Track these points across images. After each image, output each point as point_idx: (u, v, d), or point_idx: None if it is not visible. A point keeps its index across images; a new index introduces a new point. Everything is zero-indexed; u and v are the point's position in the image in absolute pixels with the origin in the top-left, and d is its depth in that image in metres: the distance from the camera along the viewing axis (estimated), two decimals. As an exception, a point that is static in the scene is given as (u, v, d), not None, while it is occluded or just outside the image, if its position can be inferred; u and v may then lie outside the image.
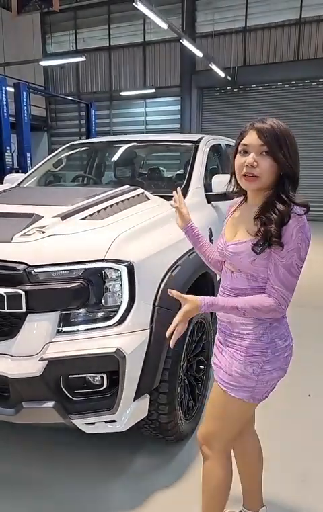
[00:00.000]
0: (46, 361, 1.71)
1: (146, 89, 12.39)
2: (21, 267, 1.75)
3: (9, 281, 1.74)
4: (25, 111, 9.93)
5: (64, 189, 3.27)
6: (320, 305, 4.67)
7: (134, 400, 1.84)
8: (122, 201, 2.36)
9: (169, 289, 1.41)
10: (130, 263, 1.82)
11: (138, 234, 1.99)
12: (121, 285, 1.81)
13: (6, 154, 9.67)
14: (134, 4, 6.60)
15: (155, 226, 2.15)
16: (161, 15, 7.40)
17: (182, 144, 3.57)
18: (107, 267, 1.80)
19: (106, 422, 1.82)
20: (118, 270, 1.80)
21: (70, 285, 1.74)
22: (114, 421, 1.82)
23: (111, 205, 2.25)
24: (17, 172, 9.70)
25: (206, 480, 1.54)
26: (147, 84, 12.75)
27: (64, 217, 2.02)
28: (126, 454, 2.20)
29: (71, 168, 4.51)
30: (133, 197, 2.46)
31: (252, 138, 1.32)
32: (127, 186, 2.64)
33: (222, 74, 10.65)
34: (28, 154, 10.19)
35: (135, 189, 2.58)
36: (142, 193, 2.56)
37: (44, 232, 1.89)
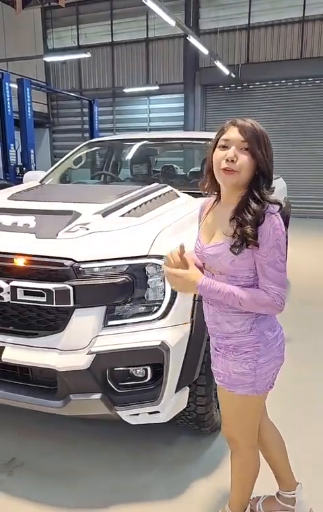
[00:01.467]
0: (94, 355, 1.77)
1: (149, 86, 12.39)
2: (68, 263, 1.79)
3: (57, 276, 1.79)
4: (29, 108, 9.93)
5: (93, 187, 3.31)
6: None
7: (175, 392, 1.90)
8: (155, 198, 2.41)
9: (181, 244, 1.41)
10: (173, 258, 1.86)
11: (176, 231, 2.04)
12: (164, 280, 1.86)
13: (10, 151, 9.69)
14: (143, 0, 6.60)
15: (189, 222, 2.20)
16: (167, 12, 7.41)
17: (199, 142, 3.61)
18: (150, 263, 1.84)
19: (150, 413, 1.87)
20: (161, 265, 1.85)
21: (115, 281, 1.78)
22: (158, 412, 1.87)
23: (145, 203, 2.30)
24: (22, 169, 9.72)
25: (238, 472, 1.62)
26: (150, 81, 12.75)
27: (104, 214, 2.07)
28: (161, 445, 2.26)
29: (84, 166, 4.56)
30: (164, 194, 2.51)
31: (233, 134, 1.36)
32: (156, 184, 2.68)
33: (226, 71, 10.67)
34: (31, 151, 10.21)
35: (164, 187, 2.62)
36: (172, 190, 2.61)
37: (87, 229, 1.93)
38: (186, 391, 1.99)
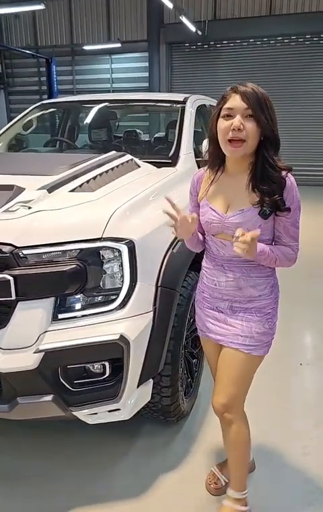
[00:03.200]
0: (42, 353, 1.55)
1: (111, 43, 11.55)
2: (7, 248, 1.53)
3: (-6, 265, 1.53)
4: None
5: (44, 156, 2.96)
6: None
7: (137, 387, 1.72)
8: (111, 169, 2.13)
9: (239, 229, 1.33)
10: (131, 241, 1.64)
11: (135, 208, 1.80)
12: (121, 265, 1.63)
13: None
14: None
15: (151, 197, 1.96)
16: None
17: (166, 105, 3.29)
18: (105, 247, 1.61)
19: (110, 411, 1.70)
20: (118, 249, 1.62)
21: (64, 268, 1.55)
22: (118, 410, 1.70)
23: (100, 174, 2.03)
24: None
25: (234, 441, 1.61)
26: (112, 38, 11.89)
27: (50, 189, 1.79)
28: (126, 438, 2.11)
29: (37, 130, 4.15)
30: (122, 164, 2.23)
31: (236, 102, 1.33)
32: (114, 152, 2.39)
33: (193, 28, 10.02)
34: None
35: (123, 156, 2.34)
36: (132, 159, 2.33)
37: (30, 208, 1.66)
38: (149, 384, 1.82)
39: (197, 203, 1.56)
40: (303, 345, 3.10)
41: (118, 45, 11.30)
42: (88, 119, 3.75)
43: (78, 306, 1.62)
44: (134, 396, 1.72)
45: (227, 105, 1.35)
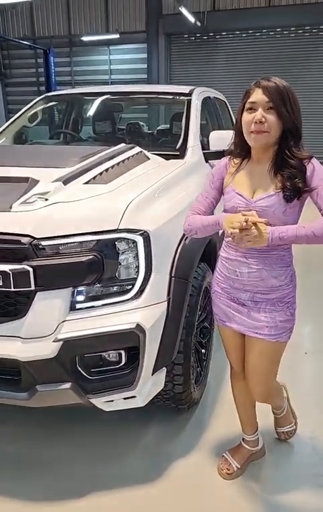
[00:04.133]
0: (61, 342, 1.58)
1: (109, 34, 11.44)
2: (26, 240, 1.55)
3: (14, 256, 1.56)
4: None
5: (53, 149, 2.97)
6: None
7: (152, 375, 1.76)
8: (122, 161, 2.15)
9: (242, 212, 1.42)
10: (146, 232, 1.67)
11: (149, 200, 1.82)
12: (137, 256, 1.66)
13: None
14: None
15: (163, 189, 1.98)
16: None
17: (172, 97, 3.29)
18: (121, 238, 1.64)
19: (125, 398, 1.74)
20: (134, 240, 1.65)
21: (82, 259, 1.57)
22: (134, 397, 1.74)
23: (112, 167, 2.05)
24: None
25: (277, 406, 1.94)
26: (110, 29, 11.77)
27: (65, 181, 1.81)
28: (138, 427, 2.16)
29: (39, 123, 4.14)
30: (132, 156, 2.25)
31: (258, 96, 1.42)
32: (123, 144, 2.41)
33: (192, 19, 9.94)
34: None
35: (133, 148, 2.36)
36: (141, 152, 2.35)
37: (46, 199, 1.68)
38: (163, 372, 1.86)
39: (220, 186, 1.61)
40: (309, 335, 3.15)
41: (117, 36, 11.20)
42: (91, 112, 3.75)
43: (95, 296, 1.65)
44: (149, 384, 1.76)
45: (250, 100, 1.43)
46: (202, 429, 2.15)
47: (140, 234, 1.65)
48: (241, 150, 1.55)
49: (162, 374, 1.86)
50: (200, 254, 2.02)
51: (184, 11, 9.50)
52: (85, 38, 11.54)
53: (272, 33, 10.75)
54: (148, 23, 11.34)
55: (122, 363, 1.70)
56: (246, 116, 1.44)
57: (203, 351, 2.38)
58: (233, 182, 1.56)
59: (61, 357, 1.59)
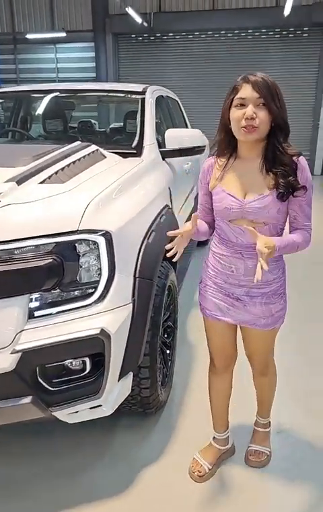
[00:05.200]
0: (20, 353, 1.47)
1: (55, 33, 11.16)
2: (-23, 244, 1.44)
3: None
4: None
5: (4, 147, 2.81)
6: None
7: (118, 381, 1.69)
8: (78, 160, 2.06)
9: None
10: (108, 232, 1.59)
11: (109, 199, 1.75)
12: (99, 258, 1.59)
13: None
14: None
15: (123, 188, 1.92)
16: None
17: (125, 95, 3.22)
18: (82, 239, 1.55)
19: (91, 408, 1.66)
20: (95, 241, 1.57)
21: (40, 264, 1.47)
22: (100, 406, 1.66)
23: (67, 166, 1.95)
24: None
25: (269, 388, 1.88)
26: (56, 27, 11.49)
27: (19, 181, 1.70)
28: (105, 434, 2.08)
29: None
30: (89, 154, 2.16)
31: (247, 91, 1.39)
32: (78, 142, 2.32)
33: (139, 19, 9.90)
34: None
35: (88, 146, 2.27)
36: (97, 150, 2.27)
37: (0, 201, 1.57)
38: (129, 377, 1.80)
39: (208, 191, 1.59)
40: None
41: (63, 34, 10.93)
42: (41, 109, 3.61)
43: (55, 301, 1.55)
44: (116, 391, 1.69)
45: (239, 95, 1.40)
46: (171, 431, 2.11)
47: (102, 235, 1.58)
48: (227, 147, 1.51)
49: (128, 379, 1.79)
50: (163, 253, 1.97)
51: (130, 11, 9.45)
52: (29, 36, 11.18)
53: (217, 35, 10.95)
54: (95, 22, 11.18)
55: (87, 371, 1.61)
56: (235, 112, 1.41)
57: (168, 351, 2.34)
58: (221, 182, 1.53)
59: (20, 370, 1.48)
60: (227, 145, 1.51)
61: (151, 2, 10.91)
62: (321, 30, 10.41)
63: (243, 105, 1.40)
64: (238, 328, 1.75)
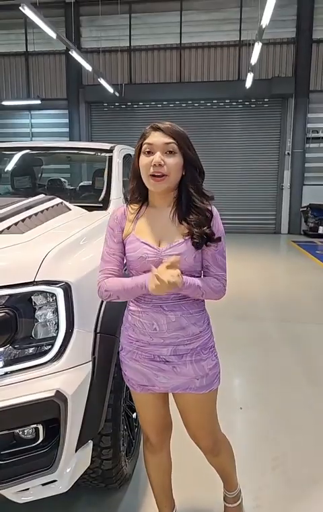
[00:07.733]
0: None
1: (30, 100, 11.78)
2: None
3: None
4: None
5: None
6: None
7: (76, 451, 1.51)
8: (41, 211, 2.02)
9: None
10: (67, 283, 1.51)
11: (70, 249, 1.68)
12: (56, 311, 1.48)
13: None
14: (21, 9, 6.17)
15: (86, 239, 1.86)
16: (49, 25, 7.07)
17: (94, 153, 3.30)
18: (38, 291, 1.46)
19: (44, 484, 1.45)
20: (53, 293, 1.48)
21: (-10, 317, 1.36)
22: (54, 481, 1.46)
23: (29, 217, 1.90)
24: None
25: (226, 461, 1.69)
26: (32, 95, 12.15)
27: (-25, 231, 1.63)
28: (61, 515, 1.83)
29: None
30: (52, 207, 2.13)
31: (156, 138, 1.36)
32: (43, 195, 2.30)
33: (111, 89, 10.61)
34: None
35: (53, 199, 2.25)
36: (62, 202, 2.25)
37: None
38: (88, 446, 1.61)
39: (121, 240, 1.47)
40: (241, 389, 3.04)
41: (38, 102, 11.54)
42: (9, 166, 3.64)
43: (6, 360, 1.41)
44: (73, 463, 1.50)
45: (147, 141, 1.36)
46: (137, 510, 1.87)
47: (60, 286, 1.48)
48: (139, 195, 1.45)
49: (88, 449, 1.60)
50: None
51: (103, 82, 10.13)
52: (5, 103, 11.73)
53: (184, 104, 11.82)
54: (69, 92, 11.93)
55: (39, 440, 1.43)
56: (144, 159, 1.36)
57: (134, 415, 2.16)
58: (134, 230, 1.44)
59: None
60: (139, 193, 1.46)
61: (123, 74, 11.81)
62: (280, 101, 11.42)
63: (151, 153, 1.35)
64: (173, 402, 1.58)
